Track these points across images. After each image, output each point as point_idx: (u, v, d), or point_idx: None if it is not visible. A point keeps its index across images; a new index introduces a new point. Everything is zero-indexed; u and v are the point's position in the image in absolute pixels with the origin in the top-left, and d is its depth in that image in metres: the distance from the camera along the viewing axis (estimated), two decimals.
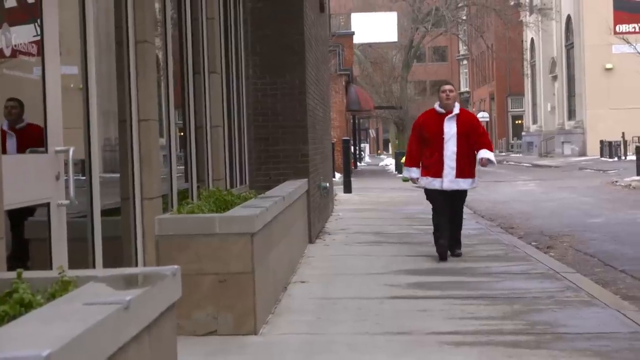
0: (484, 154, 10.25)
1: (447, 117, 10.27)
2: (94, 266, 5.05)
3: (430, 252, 10.43)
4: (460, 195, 10.42)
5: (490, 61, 77.25)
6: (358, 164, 50.84)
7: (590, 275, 9.56)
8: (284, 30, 11.65)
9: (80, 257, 4.94)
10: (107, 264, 5.18)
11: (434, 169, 10.25)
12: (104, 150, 5.81)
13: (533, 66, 67.77)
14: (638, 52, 37.21)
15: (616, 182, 27.16)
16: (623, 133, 46.20)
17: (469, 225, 13.80)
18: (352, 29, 44.35)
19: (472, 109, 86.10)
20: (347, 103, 39.54)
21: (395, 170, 38.49)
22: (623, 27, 50.99)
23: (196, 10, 8.47)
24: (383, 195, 22.91)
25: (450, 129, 10.22)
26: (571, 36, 57.35)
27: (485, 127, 10.60)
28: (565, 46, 59.06)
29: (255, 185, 10.83)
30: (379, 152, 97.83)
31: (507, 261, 10.10)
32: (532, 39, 67.29)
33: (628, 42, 40.72)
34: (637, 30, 48.58)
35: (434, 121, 10.33)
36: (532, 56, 67.96)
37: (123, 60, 5.96)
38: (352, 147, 41.12)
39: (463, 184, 10.27)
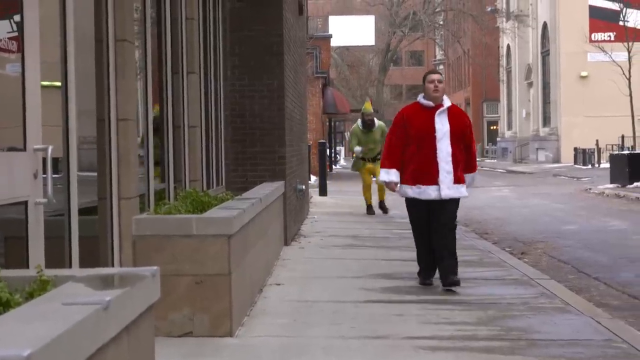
0: (472, 180, 8.93)
1: (437, 112, 8.58)
2: (70, 265, 5.01)
3: (405, 257, 10.42)
4: (452, 204, 8.58)
5: (466, 66, 77.58)
6: (334, 166, 50.87)
7: (564, 282, 9.62)
8: (263, 32, 11.63)
9: (56, 255, 4.90)
10: (83, 264, 5.15)
11: (426, 174, 8.50)
12: (82, 149, 5.78)
13: (509, 72, 68.10)
14: (613, 61, 37.49)
15: (590, 189, 27.34)
16: (597, 140, 46.51)
17: None
18: (330, 32, 44.39)
19: None
20: (323, 106, 39.55)
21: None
22: (599, 36, 51.39)
23: (176, 10, 8.44)
24: (359, 199, 22.87)
25: (442, 125, 8.54)
26: (547, 43, 57.69)
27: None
28: (541, 53, 59.40)
29: (232, 187, 10.81)
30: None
31: (482, 267, 10.13)
32: (508, 45, 67.62)
33: (603, 51, 41.01)
34: (613, 38, 48.96)
35: (422, 116, 8.61)
36: (508, 62, 68.29)
37: (102, 59, 5.93)
38: (328, 150, 41.13)
39: (463, 190, 8.62)
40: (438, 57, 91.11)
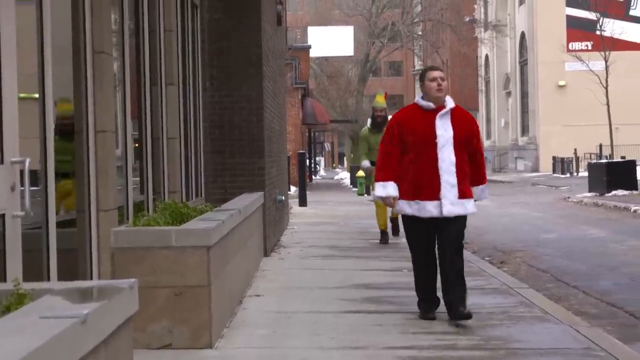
0: (482, 193, 7.77)
1: (439, 115, 7.37)
2: (48, 278, 4.99)
3: (384, 267, 10.44)
4: (458, 221, 7.34)
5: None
6: (313, 177, 50.89)
7: (543, 291, 9.65)
8: (241, 43, 11.64)
9: (34, 268, 4.88)
10: (61, 276, 5.13)
11: (426, 188, 7.29)
12: (59, 161, 5.76)
13: (487, 82, 68.42)
14: (590, 70, 37.73)
15: (568, 198, 27.48)
16: (575, 149, 46.78)
17: None
18: (309, 43, 44.48)
19: None
20: (302, 116, 39.59)
21: (351, 184, 38.57)
22: (576, 45, 51.75)
23: (154, 21, 8.44)
24: (338, 209, 22.94)
25: (444, 130, 7.31)
26: (525, 53, 58.00)
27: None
28: (519, 63, 59.72)
29: (211, 198, 10.79)
30: (334, 165, 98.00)
31: None
32: (486, 55, 67.95)
33: (580, 60, 41.27)
34: (590, 48, 49.28)
35: (421, 120, 7.40)
36: (487, 72, 68.61)
37: (80, 71, 5.92)
38: (308, 161, 41.17)
39: (470, 205, 7.40)
40: (417, 68, 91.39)
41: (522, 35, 58.49)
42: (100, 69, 6.03)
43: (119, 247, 6.14)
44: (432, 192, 7.27)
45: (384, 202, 7.54)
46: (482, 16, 65.94)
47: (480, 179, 7.69)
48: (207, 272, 6.22)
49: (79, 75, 5.90)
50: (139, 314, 3.92)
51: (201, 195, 10.78)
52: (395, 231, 14.05)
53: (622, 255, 13.05)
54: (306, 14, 65.87)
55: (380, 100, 14.35)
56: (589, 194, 27.04)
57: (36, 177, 5.10)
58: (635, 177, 27.25)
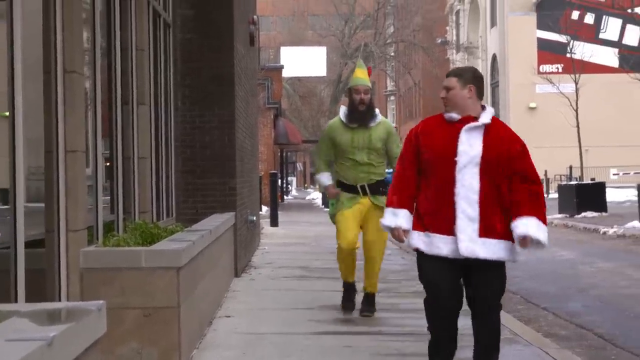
0: (527, 227, 5.66)
1: (466, 128, 5.74)
2: (16, 300, 4.94)
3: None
4: (492, 271, 5.75)
5: (417, 97, 78.17)
6: (285, 197, 50.84)
7: (512, 312, 9.67)
8: (213, 63, 11.64)
9: (1, 289, 4.83)
10: (30, 298, 5.08)
11: (439, 218, 5.72)
12: (29, 180, 5.72)
13: None
14: (561, 92, 38.02)
15: None
16: (545, 171, 47.01)
17: (394, 261, 13.89)
18: (282, 63, 44.55)
19: (400, 145, 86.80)
20: (275, 136, 39.60)
21: (322, 204, 38.57)
22: (546, 67, 52.19)
23: (126, 40, 8.42)
24: (310, 230, 22.91)
25: (469, 146, 5.69)
26: (496, 75, 58.41)
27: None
28: (491, 84, 60.11)
29: (182, 218, 10.75)
30: (305, 185, 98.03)
31: None
32: None
33: (551, 82, 41.58)
34: (560, 70, 49.69)
35: (442, 131, 5.82)
36: None
37: (51, 90, 5.89)
38: (280, 181, 41.13)
39: (495, 248, 5.68)
40: (389, 88, 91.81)
41: (494, 57, 58.92)
42: (71, 89, 6.01)
43: (88, 268, 6.10)
44: (445, 223, 5.67)
45: (392, 234, 5.94)
46: (454, 38, 66.38)
47: (533, 210, 5.71)
48: (177, 293, 6.19)
49: (49, 94, 5.87)
50: (108, 335, 3.89)
51: (172, 215, 10.74)
52: (369, 308, 8.80)
53: (591, 277, 13.13)
54: (279, 34, 66.02)
55: (362, 76, 8.82)
56: (559, 216, 27.20)
57: (5, 197, 5.06)
58: (605, 199, 27.45)
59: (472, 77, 5.87)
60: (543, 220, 5.73)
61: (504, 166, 5.71)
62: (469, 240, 5.60)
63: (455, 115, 5.79)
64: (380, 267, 8.85)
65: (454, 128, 5.76)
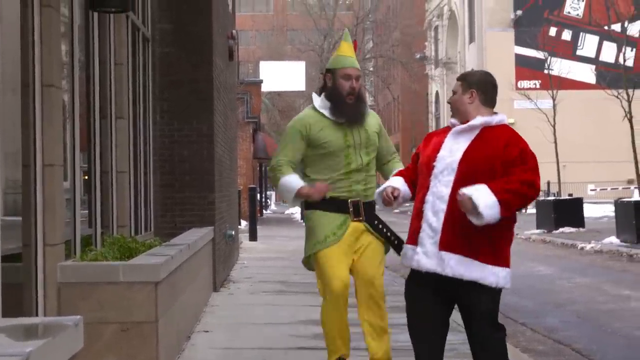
0: (476, 190, 4.99)
1: (453, 131, 5.34)
2: None
3: None
4: (483, 291, 5.17)
5: (396, 112, 78.43)
6: (264, 211, 50.79)
7: None
8: (192, 77, 11.63)
9: None
10: (6, 312, 5.04)
11: (410, 227, 5.38)
12: (6, 193, 5.69)
13: (437, 118, 69.03)
14: (538, 108, 38.22)
15: (517, 235, 27.66)
16: None
17: None
18: (261, 77, 44.60)
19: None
20: (254, 150, 39.60)
21: (301, 218, 38.55)
22: (524, 83, 52.51)
23: (104, 54, 8.40)
24: (289, 244, 22.88)
25: (450, 152, 5.24)
26: None
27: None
28: None
29: (161, 233, 10.71)
30: (284, 200, 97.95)
31: None
32: (437, 92, 68.61)
33: (529, 98, 41.81)
34: (538, 86, 50.02)
35: (437, 138, 5.45)
36: (437, 109, 69.23)
37: (28, 104, 5.86)
38: (259, 195, 41.10)
39: (457, 265, 5.11)
40: (368, 103, 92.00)
41: None
42: (49, 103, 5.98)
43: (65, 282, 6.06)
44: (412, 234, 5.33)
45: (382, 197, 5.52)
46: (433, 53, 66.70)
47: (494, 183, 5.06)
48: (155, 307, 6.16)
49: (27, 108, 5.84)
50: (85, 350, 3.86)
51: (150, 230, 10.70)
52: None
53: (568, 292, 13.18)
54: (258, 48, 66.12)
55: (351, 54, 6.48)
56: (537, 231, 27.30)
57: None
58: (582, 215, 27.60)
59: (476, 81, 5.38)
60: (501, 198, 4.99)
61: (498, 173, 5.11)
62: (424, 254, 5.16)
63: (453, 121, 5.39)
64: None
65: (446, 133, 5.38)
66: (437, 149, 5.27)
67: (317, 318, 9.45)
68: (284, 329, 8.86)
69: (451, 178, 5.14)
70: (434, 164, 5.22)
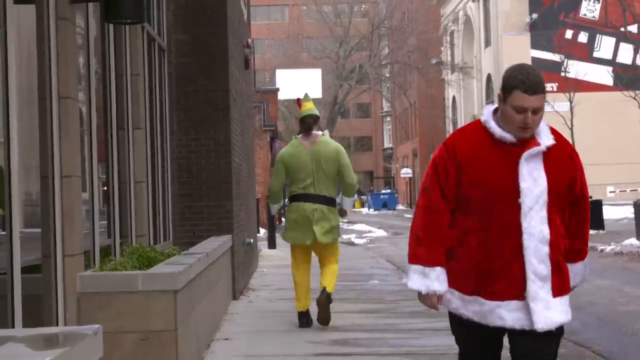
0: (576, 277, 4.73)
1: (526, 155, 4.27)
2: (13, 325, 4.95)
3: (352, 309, 10.38)
4: (553, 338, 4.33)
5: (413, 118, 78.36)
6: (282, 219, 50.83)
7: None
8: (209, 87, 11.68)
9: None
10: (27, 323, 5.09)
11: (498, 278, 4.27)
12: (25, 205, 5.74)
13: (455, 123, 68.92)
14: (556, 111, 38.14)
15: None
16: None
17: (394, 282, 13.88)
18: (277, 85, 44.66)
19: (396, 165, 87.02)
20: (271, 159, 39.62)
21: None
22: None
23: (121, 65, 8.45)
24: None
25: (534, 181, 4.26)
26: (492, 94, 58.53)
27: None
28: (486, 104, 60.16)
29: (179, 242, 10.76)
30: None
31: (430, 317, 10.13)
32: (453, 97, 68.52)
33: (546, 101, 41.73)
34: (555, 89, 49.85)
35: (495, 159, 4.31)
36: (454, 113, 69.14)
37: (46, 116, 5.91)
38: None
39: (568, 305, 4.41)
40: (385, 109, 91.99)
41: (489, 77, 59.10)
42: (65, 115, 6.03)
43: (84, 292, 6.10)
44: (511, 285, 4.25)
45: (422, 300, 4.46)
46: (449, 58, 66.61)
47: (579, 250, 4.69)
48: (174, 316, 6.19)
49: (44, 120, 5.90)
50: (105, 359, 3.89)
51: (169, 239, 10.74)
52: (324, 320, 9.24)
53: (589, 294, 13.12)
54: (274, 56, 66.22)
55: (308, 106, 9.77)
56: None
57: (1, 222, 5.07)
58: (602, 217, 27.44)
59: (502, 84, 4.50)
60: (585, 257, 4.77)
61: (566, 193, 4.40)
62: (545, 308, 4.22)
63: (508, 137, 4.29)
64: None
65: (512, 154, 4.28)
66: (511, 178, 4.24)
67: (335, 324, 9.49)
68: (303, 336, 8.88)
69: (544, 214, 4.26)
70: (520, 200, 4.22)
